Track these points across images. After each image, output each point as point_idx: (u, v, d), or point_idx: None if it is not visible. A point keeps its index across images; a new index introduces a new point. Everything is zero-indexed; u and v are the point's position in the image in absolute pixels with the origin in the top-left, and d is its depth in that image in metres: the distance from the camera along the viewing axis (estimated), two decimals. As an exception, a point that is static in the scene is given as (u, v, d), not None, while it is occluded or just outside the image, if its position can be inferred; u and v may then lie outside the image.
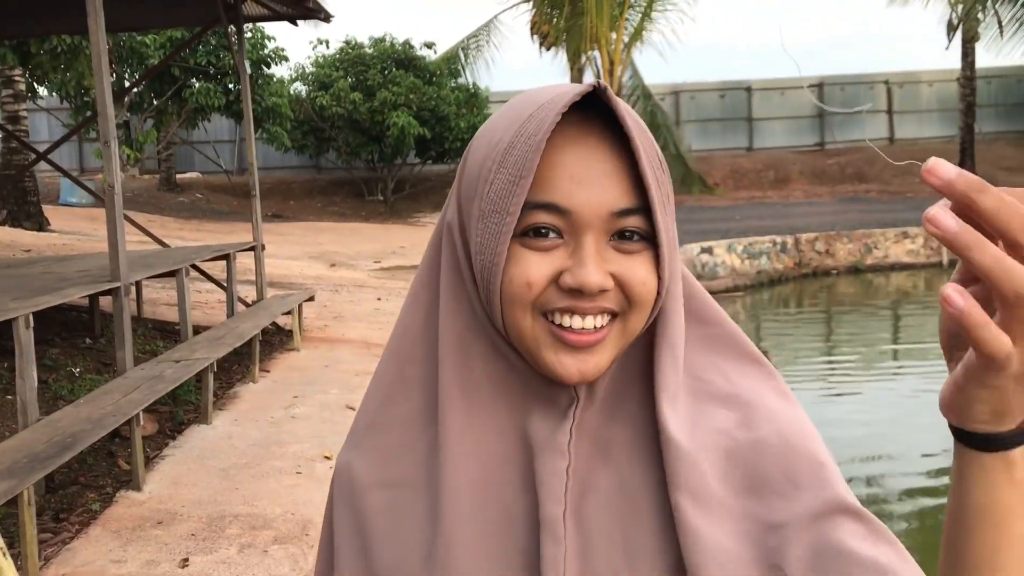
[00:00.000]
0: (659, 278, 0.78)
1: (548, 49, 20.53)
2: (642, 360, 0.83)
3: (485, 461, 0.81)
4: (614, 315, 0.78)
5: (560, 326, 0.77)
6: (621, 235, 0.77)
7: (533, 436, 0.80)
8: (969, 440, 0.66)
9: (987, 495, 0.67)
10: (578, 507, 0.79)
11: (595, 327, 0.77)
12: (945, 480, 7.06)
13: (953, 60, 25.52)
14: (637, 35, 19.35)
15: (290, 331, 8.37)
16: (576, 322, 0.76)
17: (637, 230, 0.77)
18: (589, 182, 0.75)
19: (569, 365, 0.77)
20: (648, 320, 0.80)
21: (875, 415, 8.48)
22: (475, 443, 0.81)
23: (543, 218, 0.75)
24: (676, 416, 0.79)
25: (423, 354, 0.85)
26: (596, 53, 18.92)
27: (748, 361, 0.86)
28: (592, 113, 0.76)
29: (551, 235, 0.76)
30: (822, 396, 9.24)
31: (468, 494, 0.81)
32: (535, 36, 20.67)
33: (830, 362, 11.17)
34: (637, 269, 0.77)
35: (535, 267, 0.76)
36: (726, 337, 0.87)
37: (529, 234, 0.76)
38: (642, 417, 0.82)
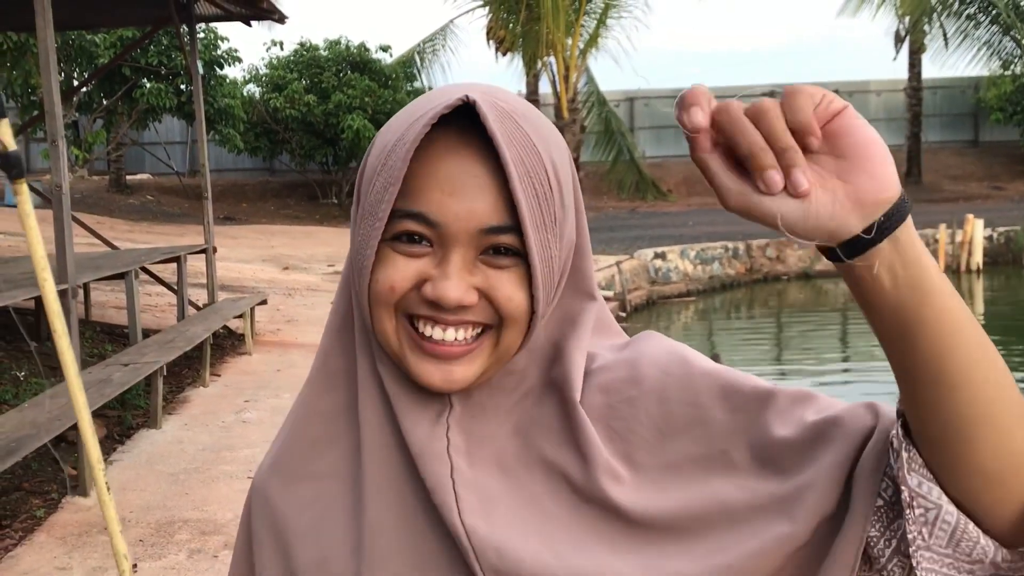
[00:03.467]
0: (533, 296, 0.76)
1: (504, 54, 20.55)
2: (532, 369, 0.83)
3: (401, 457, 0.81)
4: (486, 328, 0.77)
5: (422, 335, 0.77)
6: (495, 250, 0.75)
7: (410, 441, 0.79)
8: (831, 255, 0.66)
9: (882, 300, 0.66)
10: (475, 509, 0.78)
11: (456, 339, 0.76)
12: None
13: (900, 70, 26.03)
14: (592, 41, 19.45)
15: (242, 335, 8.28)
16: (437, 333, 0.76)
17: (509, 246, 0.75)
18: (461, 196, 0.73)
19: (432, 373, 0.77)
20: (525, 337, 0.78)
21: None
22: (393, 437, 0.81)
23: (413, 226, 0.75)
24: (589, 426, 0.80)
25: (344, 347, 0.86)
26: (552, 59, 18.99)
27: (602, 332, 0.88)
28: (477, 124, 0.74)
29: (422, 242, 0.75)
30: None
31: (389, 487, 0.81)
32: (491, 41, 20.69)
33: (780, 367, 11.32)
34: (504, 285, 0.75)
35: (400, 271, 0.75)
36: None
37: (401, 238, 0.76)
38: (532, 418, 0.82)
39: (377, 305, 0.77)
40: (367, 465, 0.81)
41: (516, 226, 0.74)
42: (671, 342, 0.86)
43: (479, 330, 0.77)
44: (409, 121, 0.75)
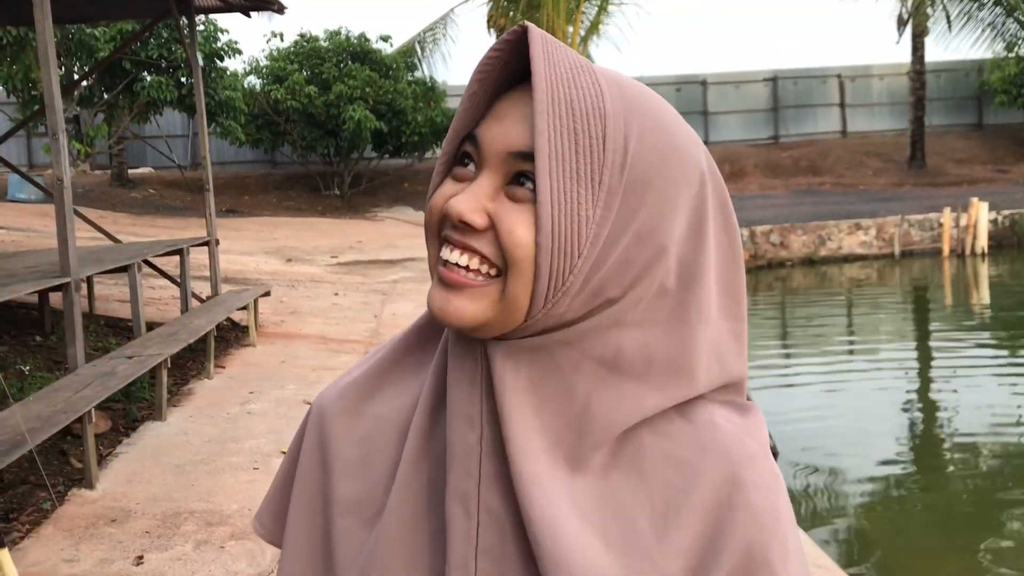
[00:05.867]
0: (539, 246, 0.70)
1: (505, 43, 20.49)
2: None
3: (439, 419, 0.80)
4: (499, 272, 0.72)
5: (440, 259, 0.75)
6: (520, 182, 0.72)
7: (449, 402, 0.78)
8: None
9: None
10: (493, 483, 0.75)
11: (459, 264, 0.72)
12: (895, 469, 7.19)
13: (903, 54, 25.91)
14: (594, 28, 19.41)
15: (246, 327, 8.29)
16: (446, 253, 0.74)
17: (530, 178, 0.71)
18: (503, 119, 0.74)
19: (436, 298, 0.74)
20: (537, 293, 0.70)
21: (827, 402, 8.60)
22: (440, 398, 0.81)
23: (466, 147, 0.76)
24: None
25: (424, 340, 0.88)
26: (553, 47, 18.91)
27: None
28: None
29: (471, 165, 0.76)
30: (776, 386, 9.35)
31: (422, 449, 0.80)
32: (492, 30, 20.63)
33: (785, 353, 11.31)
34: (511, 217, 0.71)
35: (441, 193, 0.76)
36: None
37: (458, 164, 0.77)
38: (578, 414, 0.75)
39: (426, 233, 0.78)
40: (414, 421, 0.81)
41: None
42: (775, 472, 0.79)
43: (493, 271, 0.72)
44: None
